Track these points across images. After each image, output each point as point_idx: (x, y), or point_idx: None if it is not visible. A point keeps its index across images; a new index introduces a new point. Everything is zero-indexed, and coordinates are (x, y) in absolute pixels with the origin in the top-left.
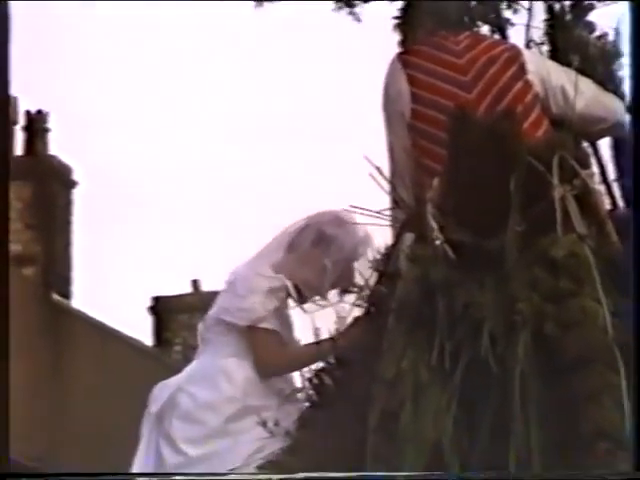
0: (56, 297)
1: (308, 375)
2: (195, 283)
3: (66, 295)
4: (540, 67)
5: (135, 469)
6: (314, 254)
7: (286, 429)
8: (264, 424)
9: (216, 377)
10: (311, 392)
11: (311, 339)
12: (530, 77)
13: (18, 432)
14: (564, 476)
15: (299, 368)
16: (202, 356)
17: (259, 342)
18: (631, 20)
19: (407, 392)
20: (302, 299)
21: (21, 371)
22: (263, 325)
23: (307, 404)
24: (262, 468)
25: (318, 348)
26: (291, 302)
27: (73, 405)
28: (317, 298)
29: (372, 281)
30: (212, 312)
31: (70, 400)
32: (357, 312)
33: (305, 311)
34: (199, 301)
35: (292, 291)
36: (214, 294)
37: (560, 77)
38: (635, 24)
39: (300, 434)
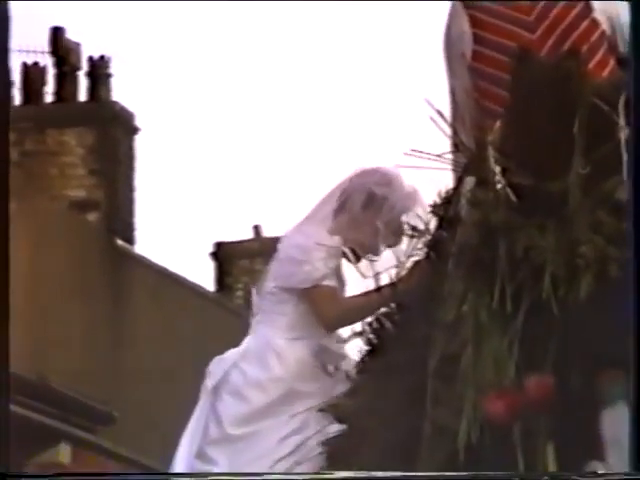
0: (119, 243)
1: (368, 319)
2: (256, 229)
3: (129, 241)
4: (608, 5)
5: (185, 437)
6: (366, 216)
7: (346, 372)
8: (324, 368)
9: (267, 356)
10: (371, 336)
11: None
12: (596, 16)
13: (83, 374)
14: (564, 476)
15: (363, 317)
16: (257, 330)
17: (321, 298)
18: (631, 20)
19: (468, 336)
20: (357, 259)
21: (84, 314)
22: (325, 283)
23: (367, 348)
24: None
25: (379, 295)
26: (345, 262)
27: (135, 348)
28: (370, 256)
29: (432, 226)
30: (268, 282)
31: (132, 343)
32: (417, 257)
33: (363, 275)
34: (260, 247)
35: (348, 252)
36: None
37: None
38: (635, 24)
39: (360, 378)
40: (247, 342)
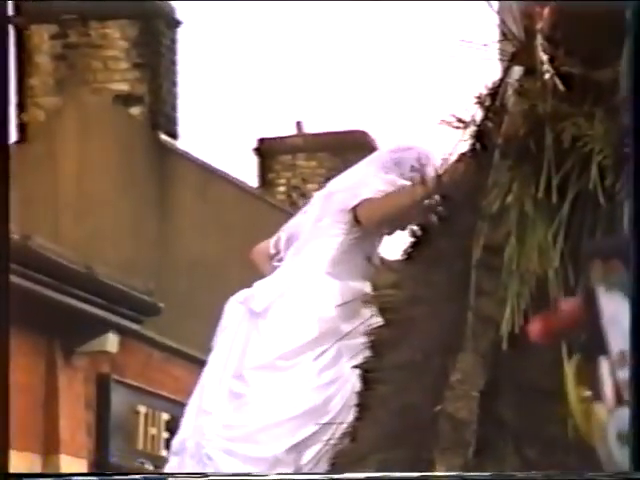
0: (163, 137)
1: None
2: (299, 124)
3: (173, 135)
4: None
5: (221, 352)
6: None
7: (390, 264)
8: (368, 259)
9: (314, 293)
10: (415, 228)
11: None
12: None
13: (130, 266)
14: (564, 476)
15: (407, 210)
16: (297, 264)
17: (364, 203)
18: (632, 20)
19: (512, 226)
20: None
21: (131, 208)
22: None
23: (411, 239)
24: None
25: (423, 187)
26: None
27: (180, 241)
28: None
29: (478, 117)
30: (321, 214)
31: (177, 236)
32: (462, 148)
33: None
34: (302, 142)
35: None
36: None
37: None
38: (636, 24)
39: (404, 267)
40: (289, 274)
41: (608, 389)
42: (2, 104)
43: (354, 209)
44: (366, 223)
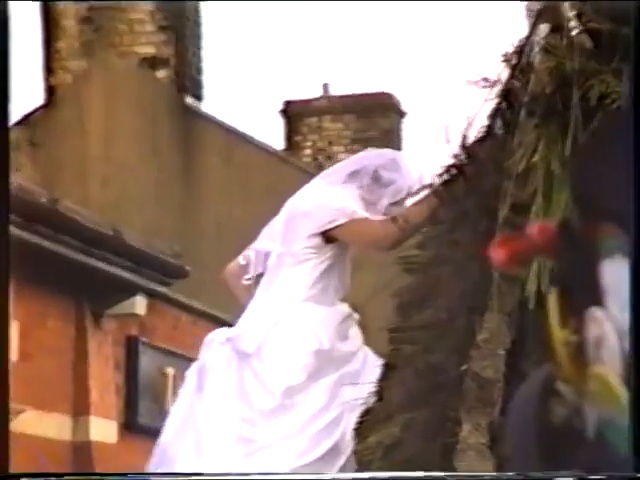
0: (188, 100)
1: (438, 171)
2: (325, 87)
3: (198, 98)
4: None
5: (218, 400)
6: (372, 195)
7: (415, 224)
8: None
9: (302, 325)
10: (440, 188)
11: None
12: None
13: (157, 229)
14: (564, 476)
15: (420, 226)
16: (273, 293)
17: (364, 225)
18: (633, 20)
19: (538, 185)
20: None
21: (157, 171)
22: (359, 215)
23: (436, 200)
24: (397, 264)
25: (428, 204)
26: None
27: (207, 204)
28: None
29: (504, 75)
30: (282, 243)
31: (204, 199)
32: (489, 108)
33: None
34: (329, 105)
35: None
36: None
37: None
38: (637, 24)
39: (429, 229)
40: (270, 308)
41: (613, 354)
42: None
43: (326, 232)
44: (370, 242)
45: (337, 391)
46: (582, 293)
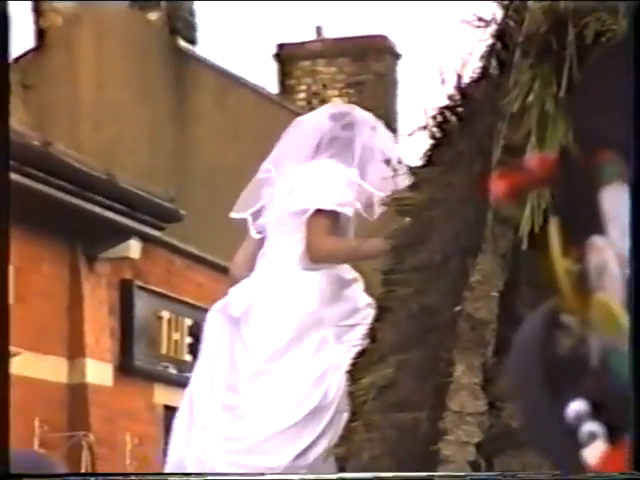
0: (181, 42)
1: (432, 113)
2: (319, 30)
3: (191, 41)
4: None
5: (206, 365)
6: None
7: (409, 167)
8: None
9: (291, 288)
10: (435, 129)
11: None
12: None
13: (150, 173)
14: (564, 475)
15: (348, 260)
16: (271, 259)
17: (320, 227)
18: (633, 20)
19: (532, 126)
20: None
21: (149, 114)
22: (342, 210)
23: (430, 142)
24: (386, 204)
25: (370, 244)
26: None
27: (200, 148)
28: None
29: (499, 15)
30: (281, 208)
31: (196, 143)
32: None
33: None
34: (322, 48)
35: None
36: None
37: None
38: (636, 24)
39: (423, 171)
40: (264, 272)
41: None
42: None
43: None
44: (310, 244)
45: (321, 350)
46: (583, 222)
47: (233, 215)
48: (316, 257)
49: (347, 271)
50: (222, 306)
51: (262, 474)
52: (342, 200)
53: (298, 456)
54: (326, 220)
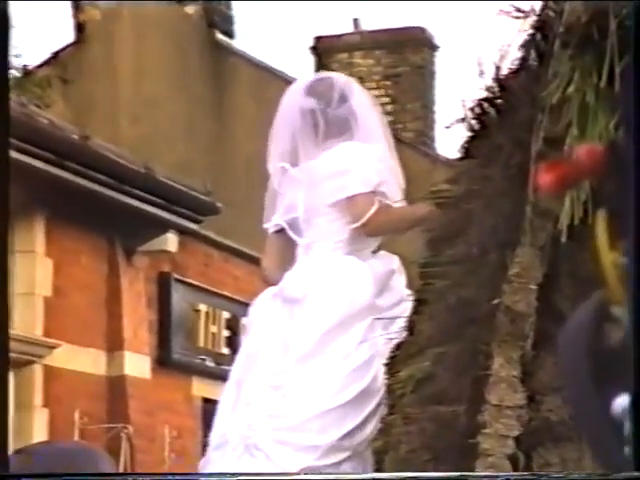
0: (218, 36)
1: (470, 105)
2: (356, 22)
3: (228, 34)
4: None
5: (261, 346)
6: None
7: (448, 160)
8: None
9: (345, 276)
10: (472, 122)
11: None
12: None
13: (188, 166)
14: (564, 475)
15: (405, 228)
16: (316, 251)
17: (366, 205)
18: (633, 20)
19: (573, 117)
20: None
21: (187, 108)
22: (379, 189)
23: (469, 134)
24: (428, 199)
25: (424, 209)
26: None
27: (237, 141)
28: None
29: (538, 6)
30: (317, 202)
31: (234, 136)
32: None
33: None
34: (360, 40)
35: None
36: (374, 33)
37: None
38: (636, 24)
39: (462, 163)
40: (316, 261)
41: None
42: None
43: (355, 197)
44: (363, 221)
45: (368, 338)
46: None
47: (266, 226)
48: (373, 229)
49: (394, 261)
50: (279, 289)
51: (263, 474)
52: (380, 179)
53: (344, 437)
54: (369, 197)
